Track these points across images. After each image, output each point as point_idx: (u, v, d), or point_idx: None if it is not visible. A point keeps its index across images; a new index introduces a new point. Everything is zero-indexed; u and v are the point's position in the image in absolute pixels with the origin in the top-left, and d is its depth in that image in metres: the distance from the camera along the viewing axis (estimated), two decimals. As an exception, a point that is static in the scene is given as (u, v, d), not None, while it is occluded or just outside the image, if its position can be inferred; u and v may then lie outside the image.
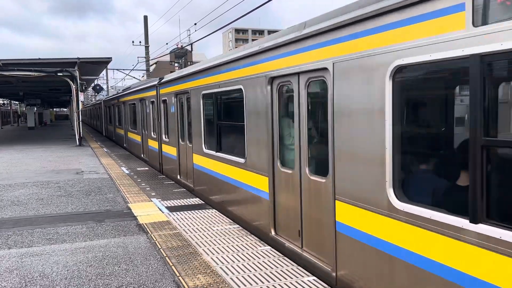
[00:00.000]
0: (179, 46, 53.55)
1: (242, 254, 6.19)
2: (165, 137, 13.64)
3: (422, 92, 4.11)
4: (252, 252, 6.24)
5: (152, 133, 15.57)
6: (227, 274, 5.45)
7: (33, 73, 23.88)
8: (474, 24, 3.10)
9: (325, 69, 5.04)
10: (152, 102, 15.22)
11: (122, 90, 26.49)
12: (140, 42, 37.87)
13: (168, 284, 5.23)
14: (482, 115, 3.05)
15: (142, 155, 18.08)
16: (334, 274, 4.98)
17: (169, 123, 12.95)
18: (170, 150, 13.07)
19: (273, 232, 6.56)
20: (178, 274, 5.50)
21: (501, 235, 2.99)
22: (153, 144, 15.62)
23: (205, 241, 6.83)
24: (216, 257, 6.10)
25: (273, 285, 5.09)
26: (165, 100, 13.24)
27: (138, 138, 19.01)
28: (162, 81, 13.71)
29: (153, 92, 14.89)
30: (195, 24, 26.95)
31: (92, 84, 37.60)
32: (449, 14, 3.30)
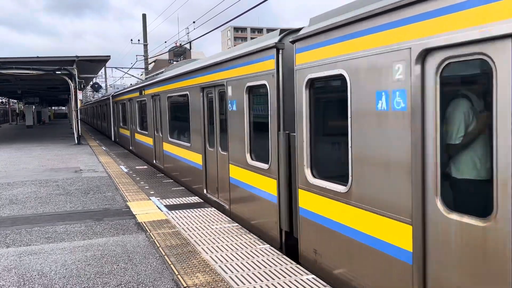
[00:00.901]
0: (178, 44, 53.49)
1: (241, 252, 6.19)
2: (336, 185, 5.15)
3: None
4: (251, 251, 6.24)
5: (249, 156, 7.51)
6: (226, 273, 5.44)
7: (31, 72, 23.81)
8: None
9: None
10: (252, 89, 7.39)
11: (147, 78, 19.98)
12: (138, 40, 37.82)
13: (166, 283, 5.22)
14: None
15: (205, 191, 9.96)
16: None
17: (368, 143, 4.48)
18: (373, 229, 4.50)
19: None
20: (177, 273, 5.49)
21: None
22: (252, 180, 7.39)
23: (204, 239, 6.82)
24: (215, 255, 6.09)
25: (272, 284, 5.08)
26: (340, 79, 5.02)
27: (193, 158, 10.67)
28: (314, 29, 5.30)
29: (259, 66, 6.92)
30: (194, 22, 26.93)
31: (91, 83, 37.55)
32: None
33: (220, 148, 8.97)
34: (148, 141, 16.53)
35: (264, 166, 6.88)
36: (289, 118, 6.39)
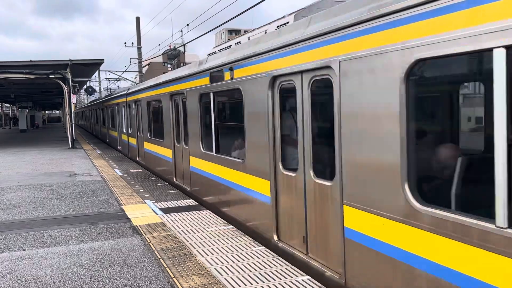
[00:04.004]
0: (172, 47, 53.42)
1: (236, 254, 6.20)
2: None
3: None
4: (246, 253, 6.25)
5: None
6: (222, 275, 5.46)
7: (24, 75, 23.74)
8: None
9: None
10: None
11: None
12: (132, 43, 37.75)
13: (162, 286, 5.22)
14: None
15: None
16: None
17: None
18: None
19: None
20: (172, 276, 5.49)
21: None
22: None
23: (199, 242, 6.83)
24: (211, 258, 6.10)
25: (267, 285, 5.10)
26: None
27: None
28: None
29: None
30: (188, 25, 26.94)
31: (85, 86, 37.43)
32: None
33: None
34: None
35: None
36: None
